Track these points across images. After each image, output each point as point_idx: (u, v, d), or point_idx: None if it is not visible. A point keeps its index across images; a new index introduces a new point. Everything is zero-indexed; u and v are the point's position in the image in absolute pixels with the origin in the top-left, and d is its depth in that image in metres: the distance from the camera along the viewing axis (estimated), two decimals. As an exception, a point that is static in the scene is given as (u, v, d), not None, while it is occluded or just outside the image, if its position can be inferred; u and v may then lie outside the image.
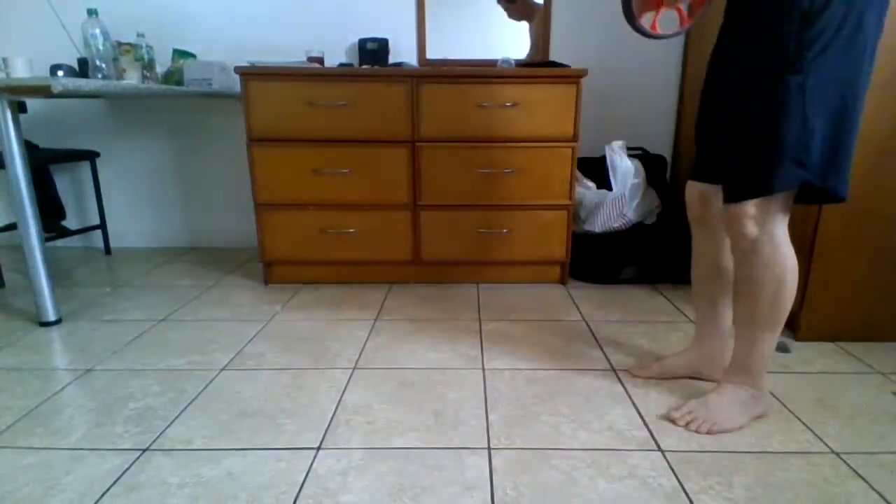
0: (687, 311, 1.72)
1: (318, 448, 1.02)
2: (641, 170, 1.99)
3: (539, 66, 1.99)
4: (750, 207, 0.99)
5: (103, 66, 1.93)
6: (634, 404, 1.18)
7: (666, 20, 1.08)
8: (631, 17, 1.05)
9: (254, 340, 1.51)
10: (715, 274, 1.19)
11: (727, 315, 1.21)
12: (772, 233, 0.99)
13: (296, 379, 1.29)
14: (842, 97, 0.92)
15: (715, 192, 1.12)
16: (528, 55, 2.27)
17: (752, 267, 1.02)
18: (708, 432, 1.06)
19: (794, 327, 1.49)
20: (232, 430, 1.08)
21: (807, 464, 0.97)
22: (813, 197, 1.00)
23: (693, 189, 1.18)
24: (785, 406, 1.16)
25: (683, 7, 1.07)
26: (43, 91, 1.38)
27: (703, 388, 1.21)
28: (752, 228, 1.00)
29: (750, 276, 1.03)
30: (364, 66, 2.10)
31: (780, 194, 0.97)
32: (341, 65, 2.19)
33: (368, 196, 1.88)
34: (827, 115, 0.93)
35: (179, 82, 2.16)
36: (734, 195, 1.00)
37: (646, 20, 1.07)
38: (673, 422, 1.10)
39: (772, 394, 1.20)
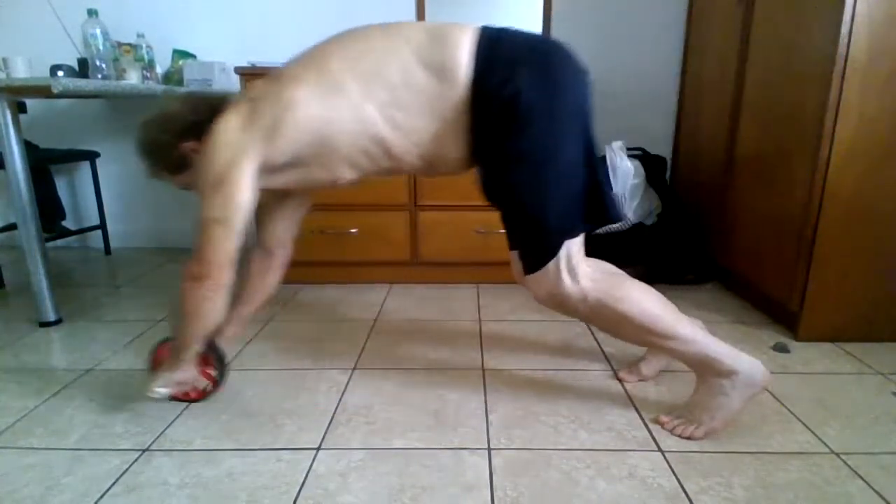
0: (687, 310, 1.71)
1: (318, 448, 1.02)
2: (641, 170, 1.98)
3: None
4: (531, 279, 1.04)
5: (103, 66, 1.93)
6: (634, 404, 1.17)
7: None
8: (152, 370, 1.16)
9: (254, 340, 1.51)
10: None
11: None
12: (565, 294, 1.01)
13: (296, 379, 1.29)
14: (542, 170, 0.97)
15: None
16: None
17: (590, 322, 1.06)
18: (690, 436, 1.04)
19: (794, 327, 1.49)
20: (232, 431, 1.08)
21: (807, 464, 0.97)
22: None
23: None
24: (785, 406, 1.16)
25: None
26: (43, 91, 1.38)
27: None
28: (541, 297, 1.05)
29: (599, 327, 1.07)
30: (364, 67, 2.10)
31: (554, 259, 1.00)
32: (341, 65, 2.19)
33: (368, 196, 1.88)
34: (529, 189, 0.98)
35: (179, 82, 2.16)
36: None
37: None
38: (662, 426, 1.09)
39: (771, 393, 1.20)
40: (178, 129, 1.03)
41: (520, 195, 0.99)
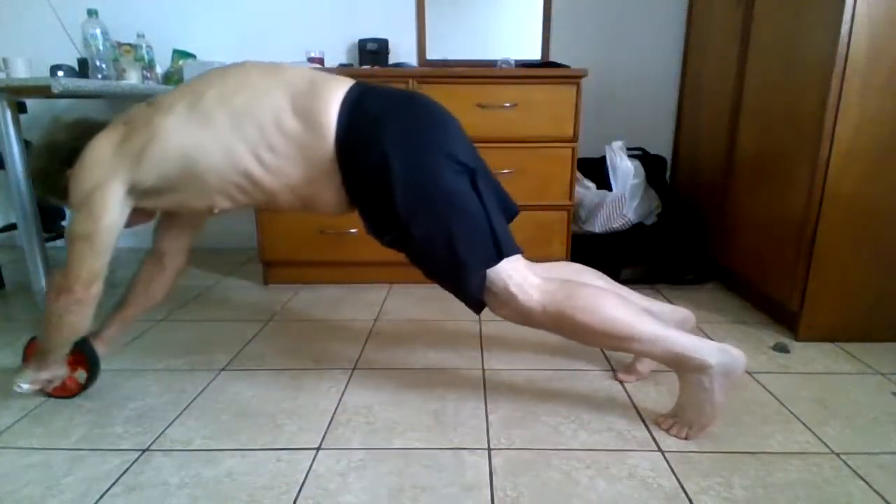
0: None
1: (318, 448, 1.02)
2: (641, 170, 1.99)
3: (539, 66, 1.99)
4: (490, 307, 1.04)
5: (103, 66, 1.93)
6: (634, 404, 1.17)
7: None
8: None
9: (253, 341, 1.51)
10: None
11: None
12: (524, 309, 1.00)
13: (296, 379, 1.29)
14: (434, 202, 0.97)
15: None
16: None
17: (556, 332, 1.04)
18: (686, 437, 1.04)
19: (794, 327, 1.49)
20: (232, 431, 1.08)
21: (807, 464, 0.97)
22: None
23: None
24: (785, 406, 1.16)
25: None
26: (43, 91, 1.38)
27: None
28: (506, 316, 1.04)
29: (564, 336, 1.06)
30: (364, 67, 2.10)
31: (497, 284, 1.00)
32: (341, 65, 2.19)
33: (368, 196, 1.88)
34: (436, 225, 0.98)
35: (179, 82, 2.16)
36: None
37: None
38: (659, 426, 1.09)
39: (771, 393, 1.21)
40: (63, 157, 1.05)
41: (423, 248, 1.00)
